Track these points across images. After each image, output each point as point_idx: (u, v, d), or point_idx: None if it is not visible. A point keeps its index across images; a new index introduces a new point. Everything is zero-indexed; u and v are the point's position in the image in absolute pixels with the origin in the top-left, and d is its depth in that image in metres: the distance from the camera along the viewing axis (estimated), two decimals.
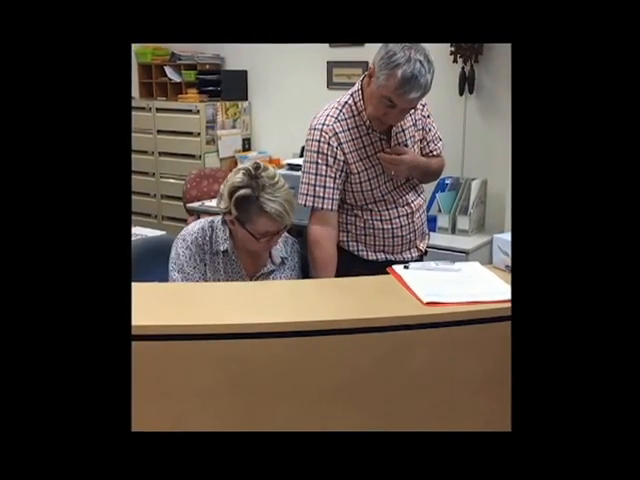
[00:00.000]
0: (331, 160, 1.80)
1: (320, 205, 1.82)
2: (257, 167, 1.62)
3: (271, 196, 1.58)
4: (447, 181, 3.28)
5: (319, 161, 1.81)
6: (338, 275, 1.81)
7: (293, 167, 3.38)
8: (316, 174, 1.82)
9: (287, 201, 1.61)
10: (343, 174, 1.83)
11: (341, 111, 1.84)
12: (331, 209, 1.83)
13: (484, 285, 1.35)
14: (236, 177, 1.61)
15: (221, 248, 1.67)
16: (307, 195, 1.83)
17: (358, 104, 1.83)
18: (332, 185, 1.81)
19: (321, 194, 1.82)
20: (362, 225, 1.89)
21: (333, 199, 1.82)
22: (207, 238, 1.69)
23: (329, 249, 1.83)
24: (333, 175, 1.81)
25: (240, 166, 1.66)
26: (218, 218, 1.72)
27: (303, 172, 1.86)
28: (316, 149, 1.81)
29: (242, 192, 1.58)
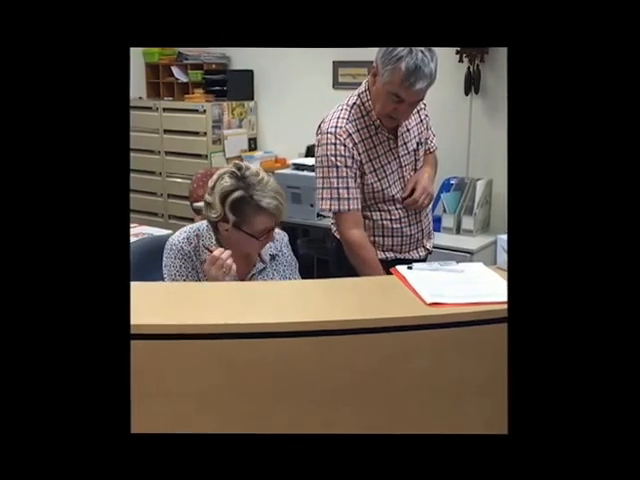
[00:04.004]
0: (349, 161, 1.80)
1: (347, 207, 1.81)
2: (240, 167, 1.59)
3: (263, 192, 1.56)
4: (452, 181, 3.28)
5: (338, 164, 1.80)
6: (348, 273, 1.82)
7: (299, 167, 3.39)
8: (337, 177, 1.80)
9: (278, 193, 1.60)
10: (359, 173, 1.84)
11: (350, 112, 1.84)
12: (358, 208, 1.83)
13: (488, 286, 1.36)
14: (224, 182, 1.58)
15: (207, 256, 1.62)
16: (331, 199, 1.82)
17: (366, 104, 1.84)
18: (354, 185, 1.82)
19: (346, 195, 1.81)
20: (371, 225, 1.90)
21: (357, 198, 1.83)
22: (193, 246, 1.66)
23: (373, 250, 1.87)
24: (353, 175, 1.81)
25: (220, 171, 1.62)
26: (203, 226, 1.69)
27: (321, 178, 1.84)
28: (333, 152, 1.80)
29: (235, 195, 1.56)
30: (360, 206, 1.84)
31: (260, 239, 1.61)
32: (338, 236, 1.96)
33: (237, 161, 1.65)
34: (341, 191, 1.81)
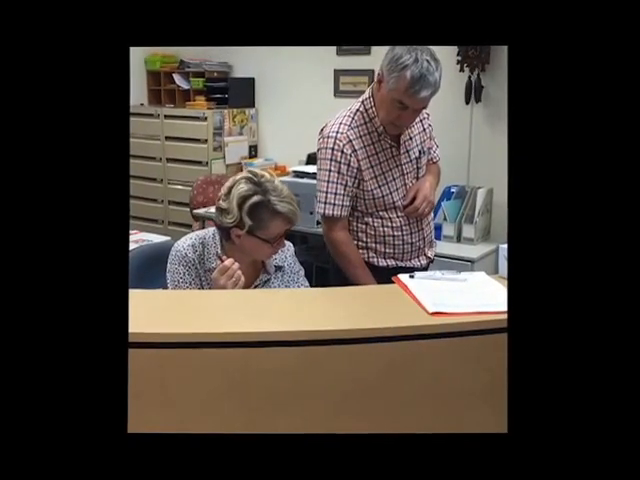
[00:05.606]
0: (344, 168, 1.83)
1: (331, 212, 1.85)
2: (255, 174, 1.62)
3: (279, 197, 1.59)
4: (453, 189, 3.28)
5: (332, 168, 1.83)
6: (347, 281, 1.83)
7: (299, 174, 3.39)
8: (327, 181, 1.84)
9: (292, 199, 1.63)
10: (356, 181, 1.86)
11: (353, 118, 1.86)
12: (341, 216, 1.86)
13: (490, 295, 1.35)
14: (241, 187, 1.60)
15: (213, 265, 1.63)
16: (319, 202, 1.87)
17: (370, 111, 1.85)
18: (343, 192, 1.84)
19: (332, 201, 1.85)
20: (372, 233, 1.91)
21: (343, 205, 1.85)
22: (197, 254, 1.67)
23: (356, 250, 1.90)
24: (344, 183, 1.84)
25: (237, 177, 1.65)
26: (210, 234, 1.70)
27: (318, 180, 1.89)
28: (329, 157, 1.83)
29: (254, 199, 1.58)
30: (345, 213, 1.87)
31: (273, 244, 1.62)
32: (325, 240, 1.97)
33: (251, 169, 1.68)
34: (329, 196, 1.85)
